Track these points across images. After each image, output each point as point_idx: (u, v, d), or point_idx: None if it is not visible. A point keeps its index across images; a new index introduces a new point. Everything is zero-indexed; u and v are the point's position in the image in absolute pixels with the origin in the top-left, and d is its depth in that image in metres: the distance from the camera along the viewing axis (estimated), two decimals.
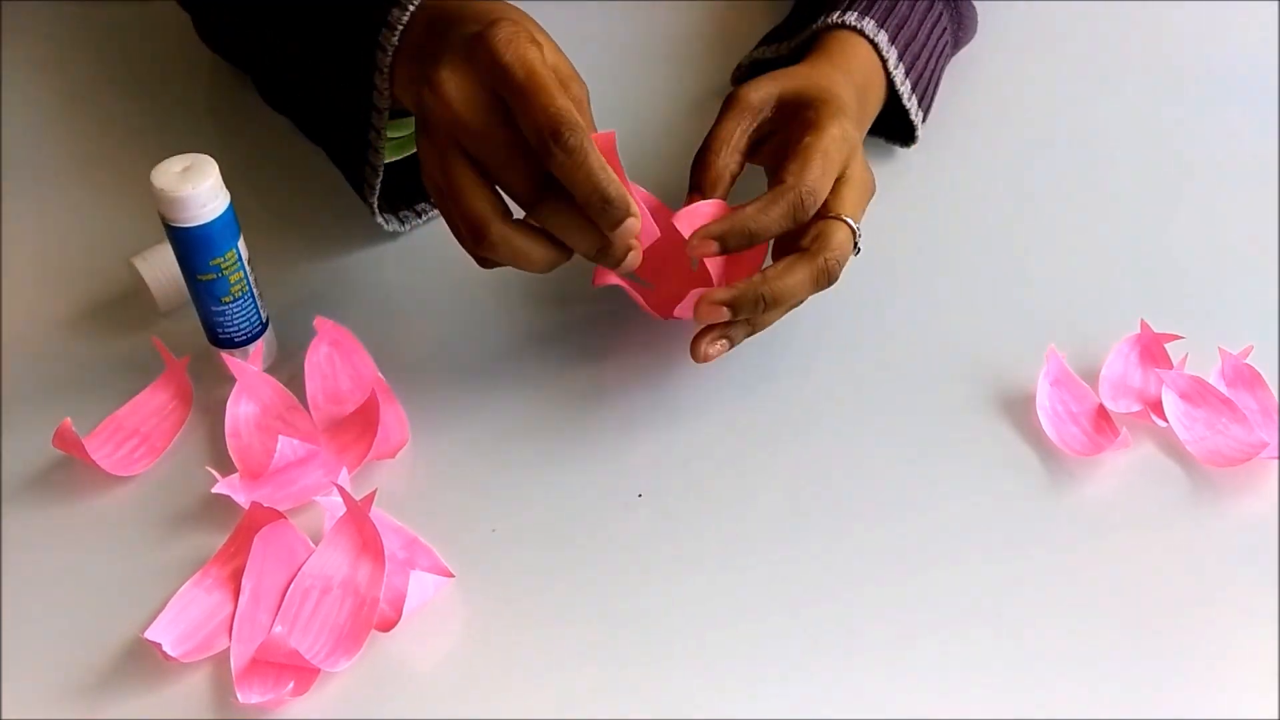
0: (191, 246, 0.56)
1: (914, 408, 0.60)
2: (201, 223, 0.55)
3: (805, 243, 0.57)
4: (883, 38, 0.67)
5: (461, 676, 0.51)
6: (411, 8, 0.56)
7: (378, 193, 0.63)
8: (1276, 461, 0.57)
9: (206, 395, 0.61)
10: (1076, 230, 0.69)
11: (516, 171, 0.52)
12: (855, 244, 0.58)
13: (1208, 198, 0.71)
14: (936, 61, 0.72)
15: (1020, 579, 0.54)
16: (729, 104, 0.61)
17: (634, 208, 0.52)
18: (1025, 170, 0.73)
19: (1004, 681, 0.50)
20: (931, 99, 0.73)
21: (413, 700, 0.50)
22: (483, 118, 0.51)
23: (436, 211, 0.68)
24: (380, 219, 0.65)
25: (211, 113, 0.76)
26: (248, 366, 0.59)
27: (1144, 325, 0.62)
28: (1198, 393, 0.59)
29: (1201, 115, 0.76)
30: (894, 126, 0.72)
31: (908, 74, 0.69)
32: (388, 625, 0.51)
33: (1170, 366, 0.61)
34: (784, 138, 0.60)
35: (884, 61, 0.67)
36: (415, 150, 0.64)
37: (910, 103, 0.70)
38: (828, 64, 0.65)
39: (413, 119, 0.58)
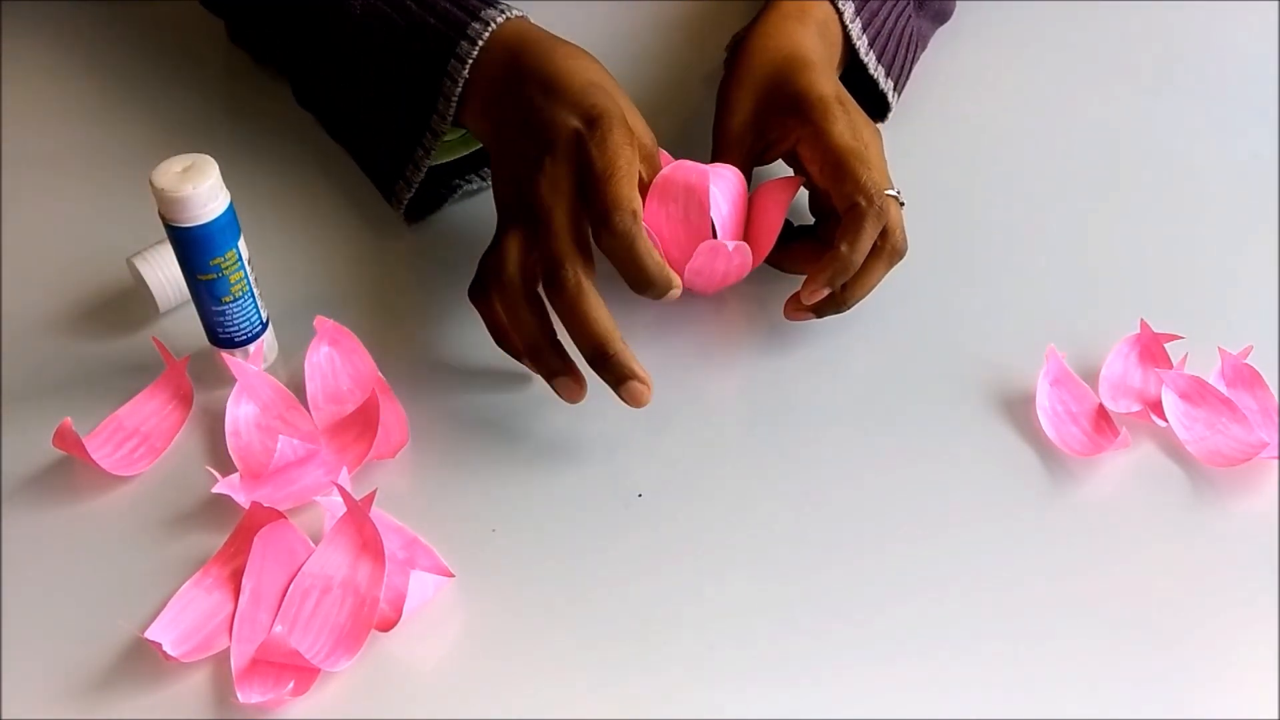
0: (191, 246, 0.56)
1: (914, 408, 0.60)
2: (202, 223, 0.55)
3: (850, 227, 0.59)
4: (849, 7, 0.68)
5: (461, 676, 0.51)
6: (481, 42, 0.60)
7: (411, 194, 0.66)
8: (1276, 461, 0.57)
9: (206, 395, 0.61)
10: (1076, 230, 0.69)
11: (569, 233, 0.55)
12: (901, 204, 0.61)
13: (1208, 198, 0.71)
14: (900, 21, 0.72)
15: (1020, 579, 0.54)
16: (717, 144, 0.65)
17: (675, 282, 0.55)
18: (1025, 170, 0.73)
19: (1004, 681, 0.50)
20: (907, 62, 0.73)
21: (413, 700, 0.50)
22: (561, 190, 0.56)
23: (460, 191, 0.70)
24: (401, 210, 0.67)
25: (212, 112, 0.76)
26: (248, 366, 0.59)
27: (1144, 325, 0.62)
28: (1198, 393, 0.59)
29: (1201, 115, 0.76)
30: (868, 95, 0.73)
31: (865, 29, 0.70)
32: (388, 625, 0.51)
33: (1170, 366, 0.61)
34: (792, 145, 0.63)
35: (840, 13, 0.68)
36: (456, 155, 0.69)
37: (878, 73, 0.71)
38: (777, 15, 0.67)
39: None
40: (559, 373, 0.57)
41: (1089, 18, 0.82)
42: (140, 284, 0.63)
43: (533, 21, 0.63)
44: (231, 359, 0.59)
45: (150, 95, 0.77)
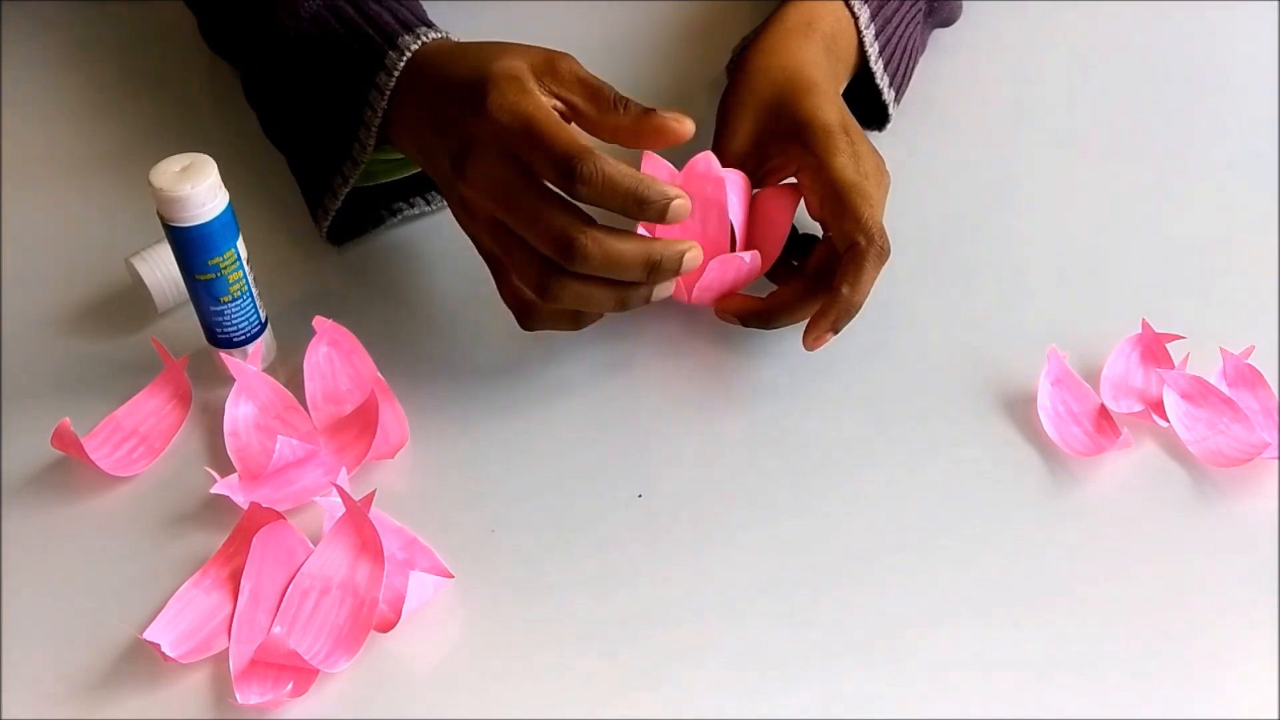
0: (190, 246, 0.56)
1: (914, 408, 0.60)
2: (200, 222, 0.55)
3: (837, 281, 0.58)
4: (864, 12, 0.67)
5: (461, 676, 0.51)
6: (396, 73, 0.59)
7: (330, 219, 0.65)
8: (1277, 461, 0.57)
9: (205, 395, 0.61)
10: (1077, 230, 0.69)
11: (552, 216, 0.53)
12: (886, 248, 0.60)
13: (1208, 197, 0.71)
14: (909, 29, 0.71)
15: (1021, 579, 0.54)
16: (727, 123, 0.63)
17: (674, 193, 0.52)
18: (1025, 170, 0.73)
19: (1004, 681, 0.50)
20: (907, 73, 0.72)
21: (412, 700, 0.50)
22: (513, 187, 0.53)
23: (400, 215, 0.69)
24: (323, 232, 0.66)
25: (211, 113, 0.76)
26: (246, 366, 0.59)
27: (1145, 325, 0.62)
28: (1199, 393, 0.59)
29: (1202, 115, 0.76)
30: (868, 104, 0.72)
31: (881, 54, 0.69)
32: (387, 626, 0.51)
33: (1171, 366, 0.61)
34: (793, 173, 0.62)
35: (855, 18, 0.67)
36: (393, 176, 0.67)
37: (883, 82, 0.70)
38: (781, 29, 0.65)
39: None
40: (674, 250, 0.54)
41: (1090, 18, 0.82)
42: (139, 284, 0.63)
43: (452, 39, 0.62)
44: (230, 359, 0.59)
45: (150, 95, 0.77)
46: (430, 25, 0.62)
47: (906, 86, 0.73)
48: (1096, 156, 0.74)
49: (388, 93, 0.59)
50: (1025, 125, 0.76)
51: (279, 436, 0.55)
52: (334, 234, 0.67)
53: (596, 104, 0.55)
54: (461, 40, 0.61)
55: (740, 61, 0.66)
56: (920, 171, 0.71)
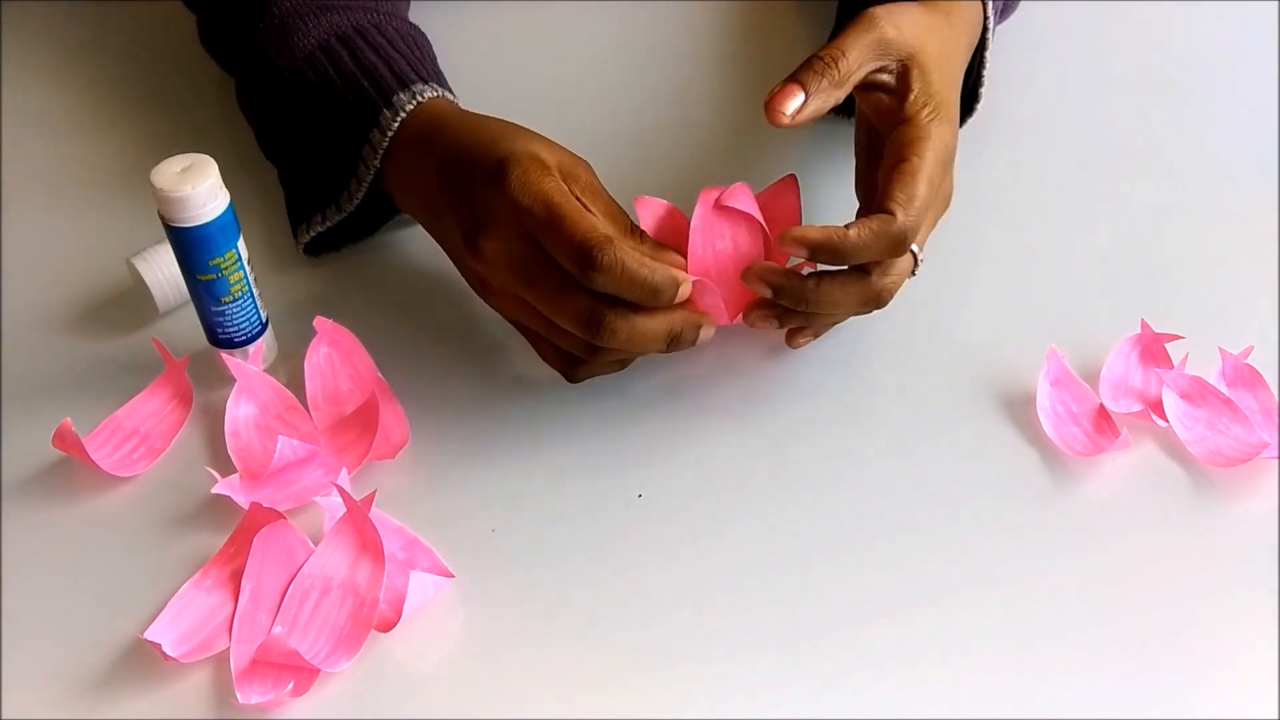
0: (191, 246, 0.56)
1: (914, 408, 0.60)
2: (201, 223, 0.55)
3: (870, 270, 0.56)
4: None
5: (461, 676, 0.51)
6: (391, 132, 0.60)
7: (309, 236, 0.65)
8: (1277, 461, 0.57)
9: (206, 395, 0.61)
10: (1076, 230, 0.69)
11: (575, 298, 0.53)
12: (914, 269, 0.58)
13: (1208, 198, 0.71)
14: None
15: (1020, 579, 0.54)
16: (862, 28, 0.56)
17: (681, 277, 0.54)
18: (1024, 169, 0.73)
19: (1004, 681, 0.50)
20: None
21: (413, 700, 0.50)
22: (536, 269, 0.54)
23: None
24: (301, 247, 0.66)
25: (211, 113, 0.76)
26: (247, 366, 0.59)
27: (1144, 325, 0.62)
28: (1198, 393, 0.59)
29: (1201, 115, 0.76)
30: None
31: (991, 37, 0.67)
32: (388, 625, 0.51)
33: (1171, 366, 0.61)
34: (890, 121, 0.57)
35: (986, 24, 0.65)
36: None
37: (988, 68, 0.67)
38: (948, 27, 0.61)
39: None
40: (691, 323, 0.55)
41: (1090, 18, 0.82)
42: (140, 284, 0.63)
43: (451, 99, 0.62)
44: (231, 359, 0.59)
45: (150, 95, 0.77)
46: (427, 81, 0.62)
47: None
48: (1096, 156, 0.74)
49: (381, 151, 0.60)
50: (1024, 125, 0.76)
51: (280, 437, 0.56)
52: (311, 248, 0.67)
53: (614, 224, 0.56)
54: (464, 108, 0.62)
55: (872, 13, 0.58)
56: None
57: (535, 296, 0.54)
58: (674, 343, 0.55)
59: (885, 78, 0.58)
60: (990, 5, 0.65)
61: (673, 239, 0.58)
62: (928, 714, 0.49)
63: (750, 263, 0.57)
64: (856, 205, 0.63)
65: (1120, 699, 0.50)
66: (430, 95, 0.61)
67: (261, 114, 0.68)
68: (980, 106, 0.70)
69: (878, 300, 0.57)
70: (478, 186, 0.55)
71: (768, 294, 0.56)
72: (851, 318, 0.61)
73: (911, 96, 0.57)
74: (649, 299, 0.53)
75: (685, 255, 0.57)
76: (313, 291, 0.66)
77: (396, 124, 0.60)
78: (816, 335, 0.61)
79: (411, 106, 0.60)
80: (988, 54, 0.67)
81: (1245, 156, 0.74)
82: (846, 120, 0.69)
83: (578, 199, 0.55)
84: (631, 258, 0.52)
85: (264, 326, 0.61)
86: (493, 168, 0.54)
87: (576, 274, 0.52)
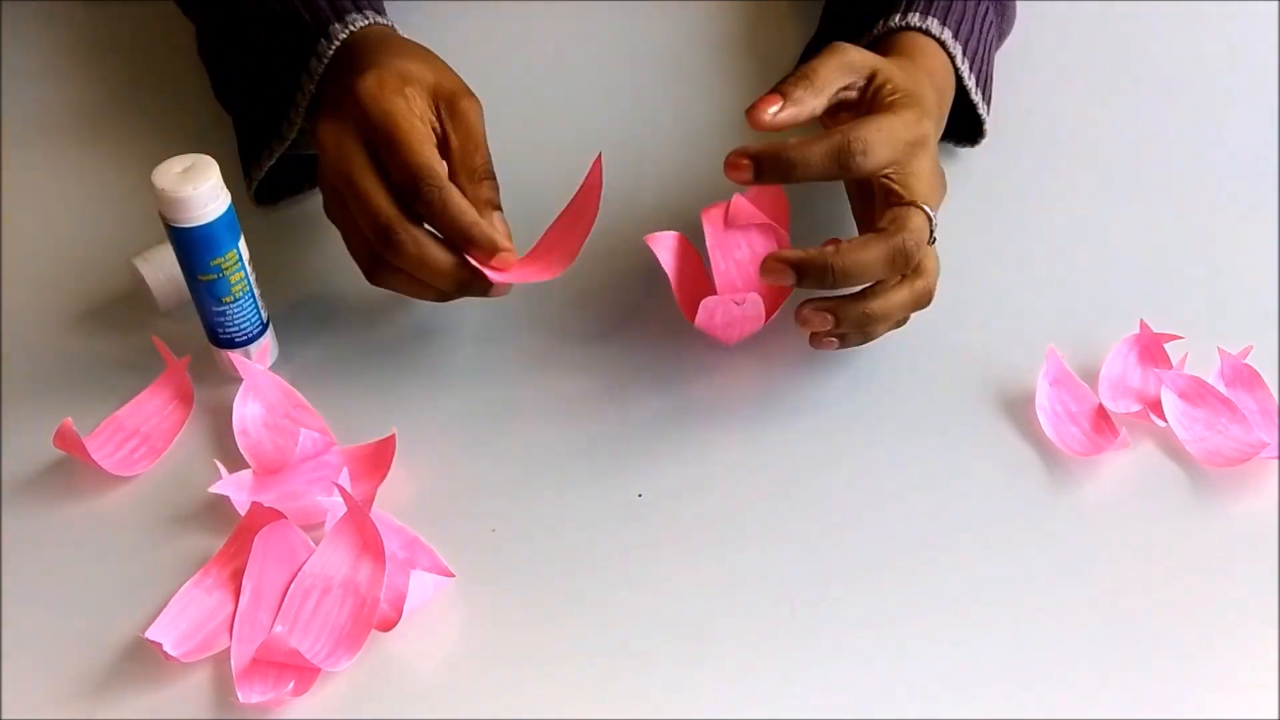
0: (192, 246, 0.56)
1: (914, 408, 0.60)
2: (202, 223, 0.55)
3: (881, 224, 0.55)
4: (948, 35, 0.65)
5: (461, 676, 0.51)
6: (326, 60, 0.61)
7: (256, 183, 0.66)
8: (1276, 461, 0.57)
9: (207, 395, 0.61)
10: (1076, 230, 0.69)
11: (376, 205, 0.55)
12: (931, 232, 0.57)
13: (1208, 198, 0.71)
14: (989, 54, 0.70)
15: (1020, 579, 0.54)
16: (830, 54, 0.58)
17: (503, 244, 0.56)
18: (1024, 170, 0.73)
19: (1004, 681, 0.50)
20: (990, 93, 0.70)
21: (413, 700, 0.50)
22: (356, 167, 0.56)
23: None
24: (250, 192, 0.68)
25: (212, 113, 0.76)
26: (254, 365, 0.59)
27: (1143, 325, 0.62)
28: (1197, 393, 0.59)
29: (1201, 115, 0.76)
30: (954, 125, 0.69)
31: (971, 70, 0.67)
32: (388, 625, 0.51)
33: (1170, 366, 0.61)
34: (859, 113, 0.58)
35: (952, 59, 0.65)
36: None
37: (977, 96, 0.68)
38: (911, 65, 0.62)
39: None
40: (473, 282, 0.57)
41: (1090, 18, 0.82)
42: (140, 284, 0.63)
43: (392, 28, 0.63)
44: (238, 358, 0.59)
45: (150, 95, 0.77)
46: (362, 11, 0.62)
47: (990, 96, 0.71)
48: (1095, 156, 0.74)
49: (318, 77, 0.61)
50: (1024, 126, 0.76)
51: (301, 430, 0.56)
52: (260, 195, 0.68)
53: (466, 158, 0.58)
54: (405, 37, 0.62)
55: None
56: None
57: (346, 191, 0.56)
58: (463, 287, 0.57)
59: (852, 94, 0.59)
60: (956, 47, 0.65)
61: (688, 265, 0.60)
62: (929, 714, 0.49)
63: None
64: (843, 201, 0.63)
65: (1120, 699, 0.50)
66: (366, 24, 0.62)
67: (211, 57, 0.69)
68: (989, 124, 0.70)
69: (905, 260, 0.55)
70: (341, 80, 0.58)
71: (790, 281, 0.55)
72: (908, 319, 0.59)
73: (873, 87, 0.58)
74: (462, 243, 0.55)
75: (709, 289, 0.59)
76: (313, 293, 0.66)
77: (332, 50, 0.61)
78: (868, 337, 0.59)
79: (344, 36, 0.61)
80: (970, 83, 0.67)
81: (1245, 156, 0.74)
82: None
83: (444, 132, 0.58)
84: (458, 199, 0.55)
85: (264, 326, 0.61)
86: (361, 70, 0.57)
87: (396, 193, 0.55)
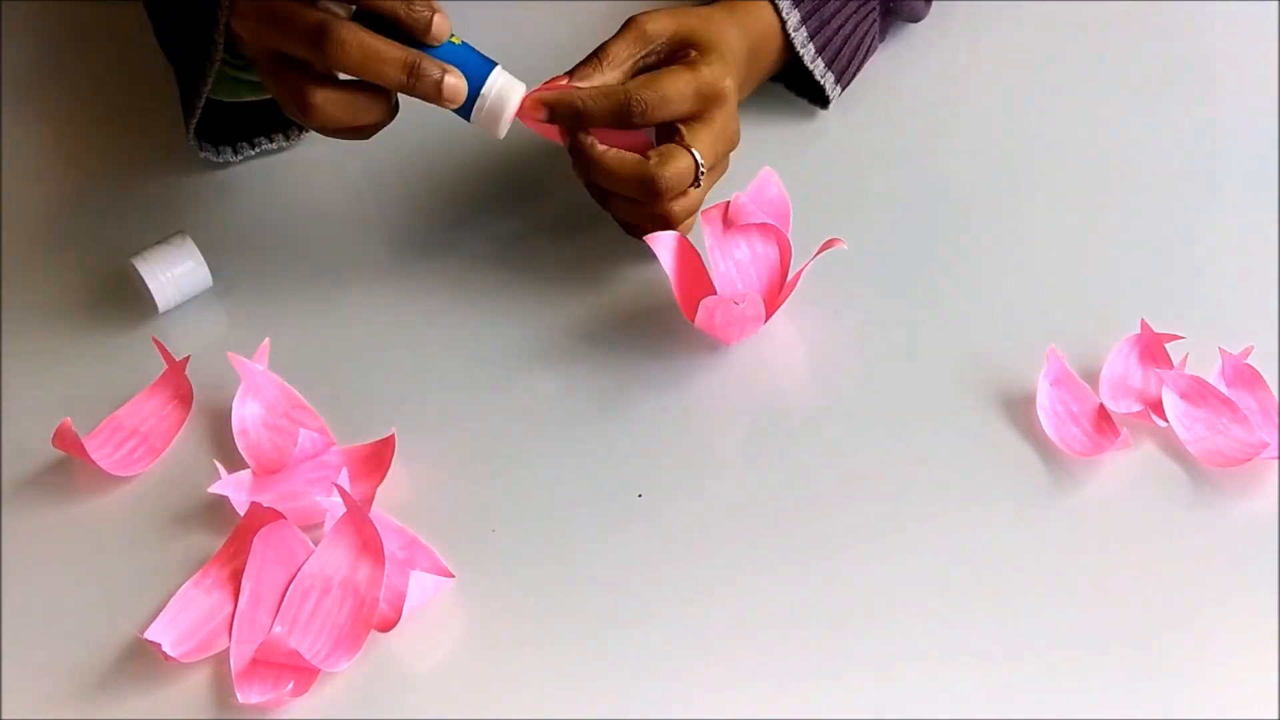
0: None
1: (914, 408, 0.60)
2: None
3: (650, 155, 0.59)
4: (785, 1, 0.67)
5: (461, 676, 0.51)
6: None
7: (198, 114, 0.64)
8: (1277, 462, 0.57)
9: (206, 395, 0.61)
10: (1076, 230, 0.69)
11: (307, 11, 0.53)
12: (697, 177, 0.60)
13: (1208, 198, 0.71)
14: (855, 21, 0.71)
15: (1021, 579, 0.54)
16: (625, 28, 0.63)
17: (436, 6, 0.55)
18: (1025, 169, 0.73)
19: (1004, 681, 0.50)
20: (859, 64, 0.72)
21: (413, 700, 0.50)
22: (276, 11, 0.54)
23: (259, 148, 0.70)
24: (196, 143, 0.66)
25: None
26: (253, 366, 0.59)
27: (1144, 325, 0.62)
28: (1198, 393, 0.59)
29: (1201, 115, 0.76)
30: (810, 86, 0.72)
31: (812, 37, 0.69)
32: (388, 625, 0.51)
33: (1170, 366, 0.61)
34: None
35: (783, 23, 0.68)
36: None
37: (816, 64, 0.70)
38: (727, 18, 0.66)
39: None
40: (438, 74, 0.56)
41: (1090, 17, 0.82)
42: (140, 284, 0.63)
43: None
44: (236, 359, 0.59)
45: (150, 94, 0.77)
46: None
47: (854, 74, 0.73)
48: (1096, 156, 0.74)
49: None
50: (1024, 125, 0.76)
51: (301, 430, 0.56)
52: (208, 136, 0.67)
53: None
54: None
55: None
56: (919, 171, 0.71)
57: (267, 9, 0.54)
58: (414, 74, 0.55)
59: (653, 59, 0.62)
60: (791, 11, 0.67)
61: (688, 265, 0.61)
62: (928, 713, 0.49)
63: (749, 255, 0.60)
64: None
65: (1120, 699, 0.50)
66: None
67: (151, 6, 0.68)
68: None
69: (652, 190, 0.59)
70: None
71: (543, 116, 0.59)
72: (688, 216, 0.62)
73: (674, 46, 0.62)
74: (403, 15, 0.54)
75: (709, 289, 0.59)
76: (313, 293, 0.66)
77: None
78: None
79: None
80: (805, 48, 0.69)
81: (1245, 156, 0.73)
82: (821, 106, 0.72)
83: None
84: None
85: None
86: None
87: (309, 53, 0.53)
